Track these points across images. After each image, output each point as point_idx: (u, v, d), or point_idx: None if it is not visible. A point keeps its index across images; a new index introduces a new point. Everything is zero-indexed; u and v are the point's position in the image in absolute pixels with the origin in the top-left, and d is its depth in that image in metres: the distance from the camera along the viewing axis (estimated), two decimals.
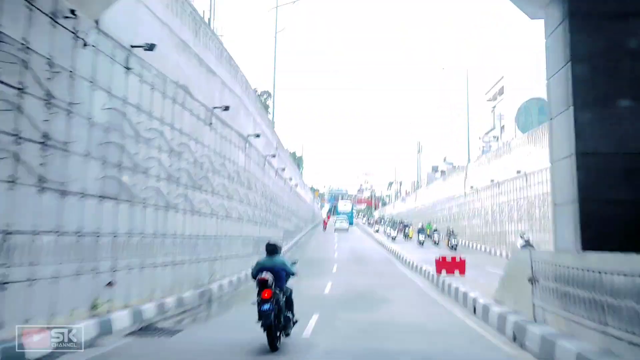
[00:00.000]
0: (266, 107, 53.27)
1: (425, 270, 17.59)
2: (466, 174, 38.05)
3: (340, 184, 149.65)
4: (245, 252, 16.98)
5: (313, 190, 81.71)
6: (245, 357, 6.67)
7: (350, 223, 62.80)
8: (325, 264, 23.40)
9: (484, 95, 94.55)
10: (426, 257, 22.14)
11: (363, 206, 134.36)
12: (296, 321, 7.61)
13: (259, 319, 6.67)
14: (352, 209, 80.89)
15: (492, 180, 30.18)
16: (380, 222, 65.63)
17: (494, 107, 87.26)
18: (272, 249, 7.52)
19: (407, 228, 43.43)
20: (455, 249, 29.21)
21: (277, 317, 6.80)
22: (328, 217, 72.21)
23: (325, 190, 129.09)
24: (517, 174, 26.18)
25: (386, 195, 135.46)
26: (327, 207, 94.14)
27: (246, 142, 17.98)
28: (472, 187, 34.87)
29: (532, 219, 24.71)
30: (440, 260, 15.29)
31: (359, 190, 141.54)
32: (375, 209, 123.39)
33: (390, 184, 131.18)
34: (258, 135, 19.30)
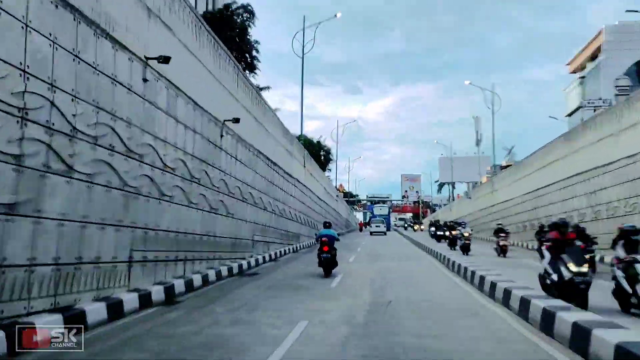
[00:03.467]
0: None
1: None
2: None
3: (382, 190, 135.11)
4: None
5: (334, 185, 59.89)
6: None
7: (388, 228, 58.75)
8: None
9: (564, 67, 72.61)
10: None
11: (408, 215, 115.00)
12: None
13: (319, 260, 13.45)
14: (389, 212, 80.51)
15: None
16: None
17: (584, 77, 64.78)
18: (328, 225, 14.82)
19: None
20: None
21: (328, 262, 13.31)
22: (367, 225, 71.04)
23: (364, 197, 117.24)
24: None
25: (434, 204, 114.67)
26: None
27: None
28: None
29: None
30: None
31: (403, 197, 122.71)
32: (424, 216, 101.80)
33: (441, 186, 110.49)
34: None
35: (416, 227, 69.17)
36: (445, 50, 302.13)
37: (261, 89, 46.04)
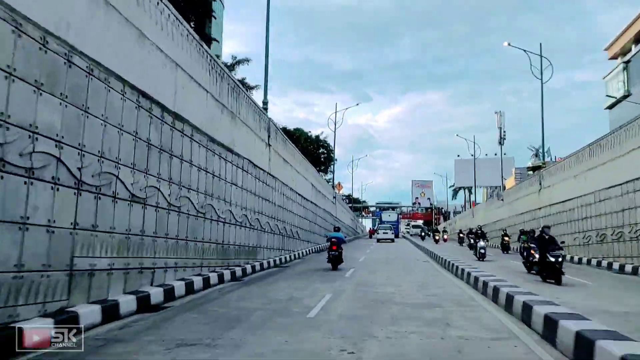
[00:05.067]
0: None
1: None
2: None
3: (392, 198, 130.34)
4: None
5: (329, 183, 49.94)
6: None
7: (397, 235, 56.45)
8: None
9: (602, 53, 63.64)
10: None
11: (419, 222, 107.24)
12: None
13: (328, 257, 16.89)
14: (398, 219, 76.66)
15: None
16: None
17: (628, 61, 55.79)
18: (337, 229, 18.63)
19: None
20: None
21: (336, 258, 16.75)
22: (376, 232, 66.36)
23: (373, 204, 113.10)
24: None
25: (447, 211, 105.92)
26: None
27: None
28: None
29: None
30: None
31: (413, 203, 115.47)
32: (437, 224, 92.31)
33: (456, 191, 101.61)
34: None
35: (438, 236, 45.31)
36: (457, 59, 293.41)
37: (239, 61, 36.66)
